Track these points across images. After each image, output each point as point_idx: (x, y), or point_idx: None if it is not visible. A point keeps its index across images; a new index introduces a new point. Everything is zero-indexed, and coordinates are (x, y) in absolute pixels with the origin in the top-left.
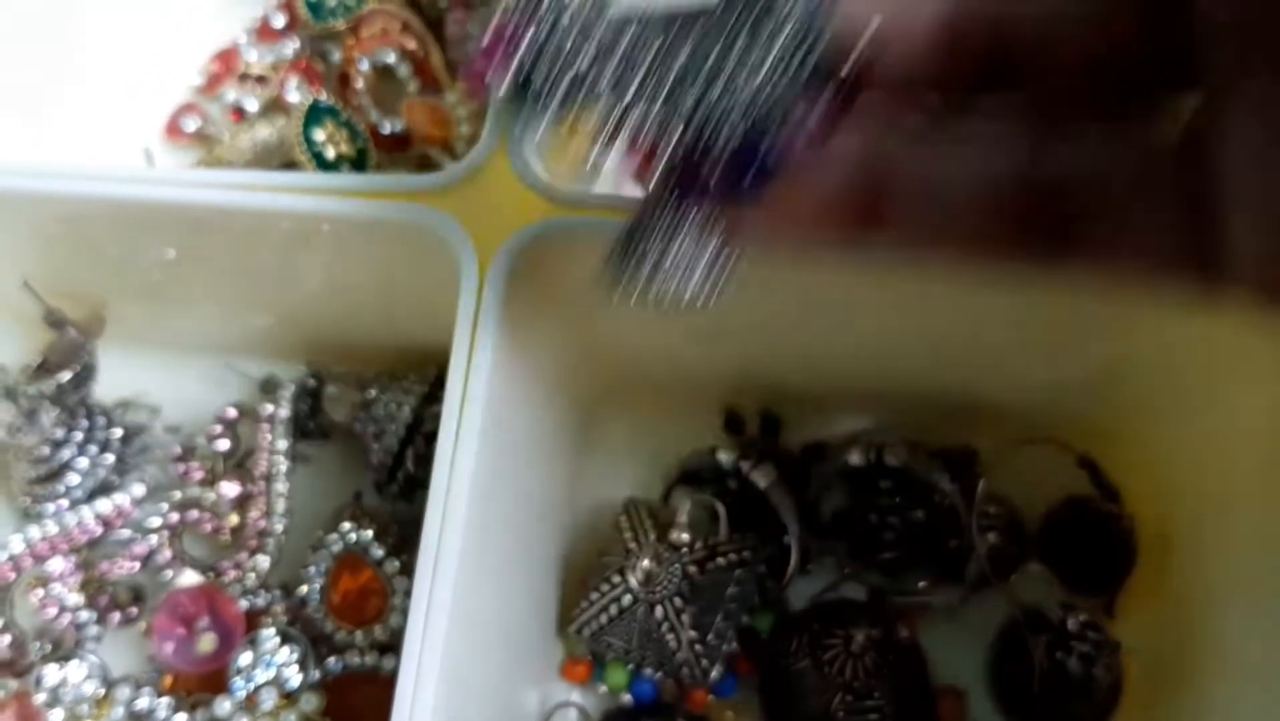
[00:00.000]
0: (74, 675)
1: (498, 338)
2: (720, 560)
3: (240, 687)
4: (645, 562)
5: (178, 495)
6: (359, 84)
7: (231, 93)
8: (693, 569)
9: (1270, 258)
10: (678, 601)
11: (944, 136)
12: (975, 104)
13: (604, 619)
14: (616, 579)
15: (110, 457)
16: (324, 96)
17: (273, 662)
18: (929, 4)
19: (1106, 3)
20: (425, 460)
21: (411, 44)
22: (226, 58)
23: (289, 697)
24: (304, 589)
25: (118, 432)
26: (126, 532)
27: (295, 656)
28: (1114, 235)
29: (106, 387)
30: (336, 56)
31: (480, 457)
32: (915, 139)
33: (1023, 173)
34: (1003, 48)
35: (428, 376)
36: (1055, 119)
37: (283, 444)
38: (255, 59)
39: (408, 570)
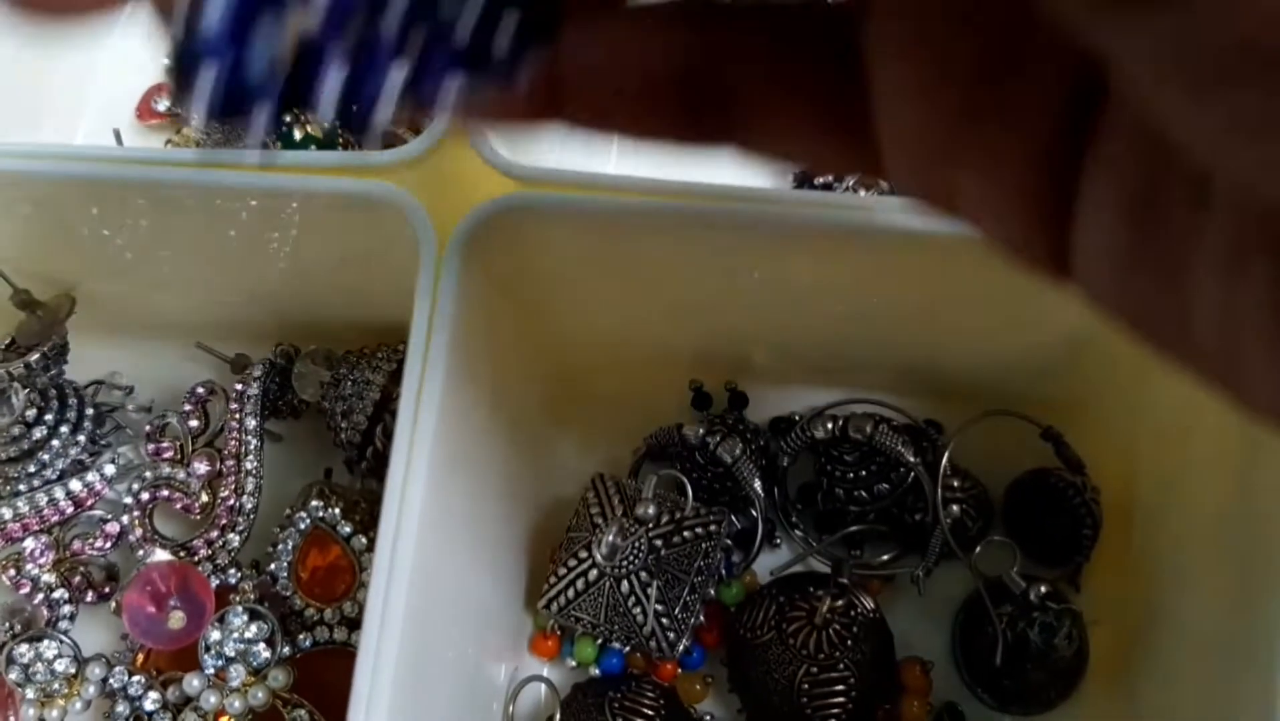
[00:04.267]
0: (46, 653)
1: (456, 312)
2: (686, 534)
3: (210, 664)
4: (611, 537)
5: (149, 474)
6: None
7: None
8: (659, 543)
9: (910, 166)
10: (644, 575)
11: (606, 28)
12: None
13: (571, 593)
14: (583, 554)
15: (82, 437)
16: None
17: (242, 640)
18: None
19: None
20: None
21: None
22: None
23: (258, 674)
24: (273, 566)
25: (89, 413)
26: (99, 512)
27: (264, 633)
28: (772, 125)
29: (78, 368)
30: None
31: (440, 434)
32: (586, 33)
33: (682, 62)
34: None
35: (397, 354)
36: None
37: (253, 422)
38: None
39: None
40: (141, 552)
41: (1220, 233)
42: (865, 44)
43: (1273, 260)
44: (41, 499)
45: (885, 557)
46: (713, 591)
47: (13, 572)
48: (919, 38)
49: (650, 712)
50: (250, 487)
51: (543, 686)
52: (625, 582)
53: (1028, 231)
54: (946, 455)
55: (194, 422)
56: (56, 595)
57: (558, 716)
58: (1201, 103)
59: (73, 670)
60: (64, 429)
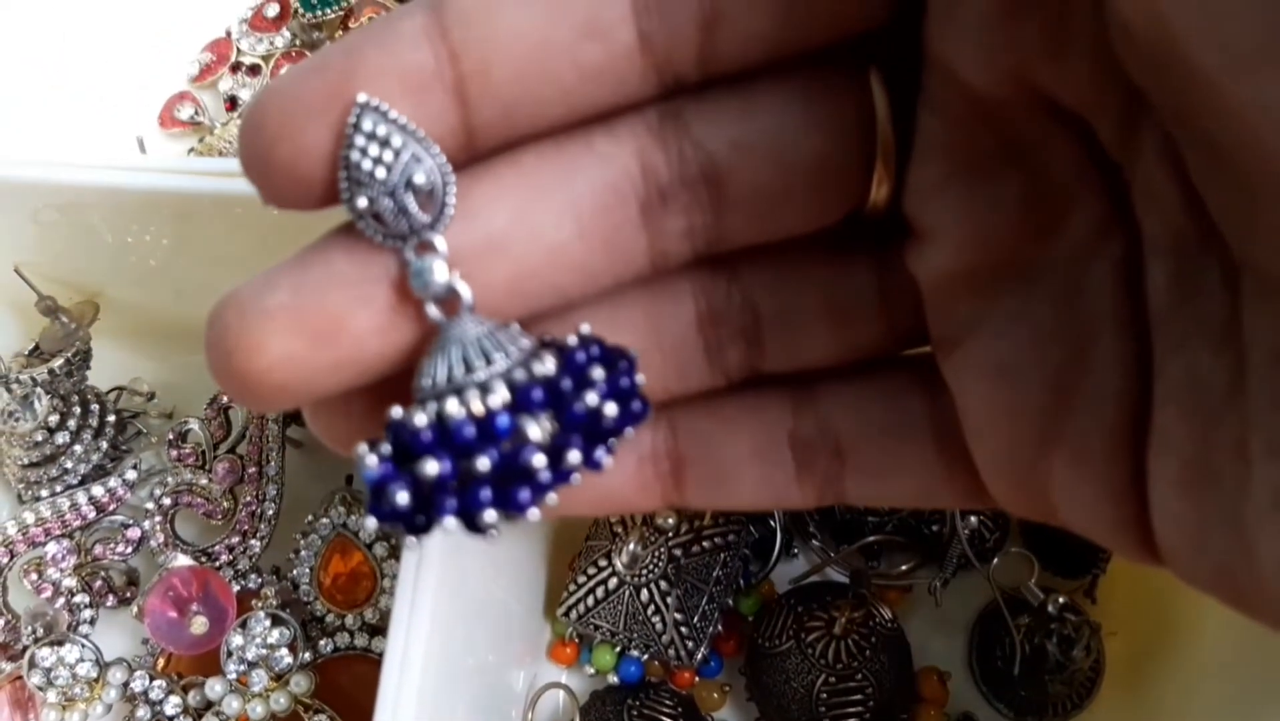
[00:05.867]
0: (68, 657)
1: None
2: (705, 543)
3: (232, 669)
4: (631, 546)
5: (171, 480)
6: None
7: (225, 82)
8: (678, 552)
9: (1008, 483)
10: (663, 584)
11: (720, 414)
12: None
13: (590, 601)
14: (603, 562)
15: (104, 443)
16: None
17: (264, 644)
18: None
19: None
20: None
21: None
22: (220, 47)
23: (280, 679)
24: (295, 571)
25: (112, 418)
26: (120, 517)
27: (286, 638)
28: (882, 470)
29: (101, 374)
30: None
31: None
32: (700, 417)
33: (790, 430)
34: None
35: None
36: (805, 372)
37: (274, 427)
38: (248, 48)
39: (397, 553)
40: (163, 558)
41: (1265, 481)
42: (948, 379)
43: None
44: (64, 503)
45: (903, 568)
46: (731, 601)
47: (35, 577)
48: (994, 366)
49: (669, 720)
50: (272, 493)
51: (561, 693)
52: (645, 591)
53: (1120, 524)
54: None
55: (216, 428)
56: (78, 599)
57: None
58: None
59: (94, 674)
60: (86, 434)
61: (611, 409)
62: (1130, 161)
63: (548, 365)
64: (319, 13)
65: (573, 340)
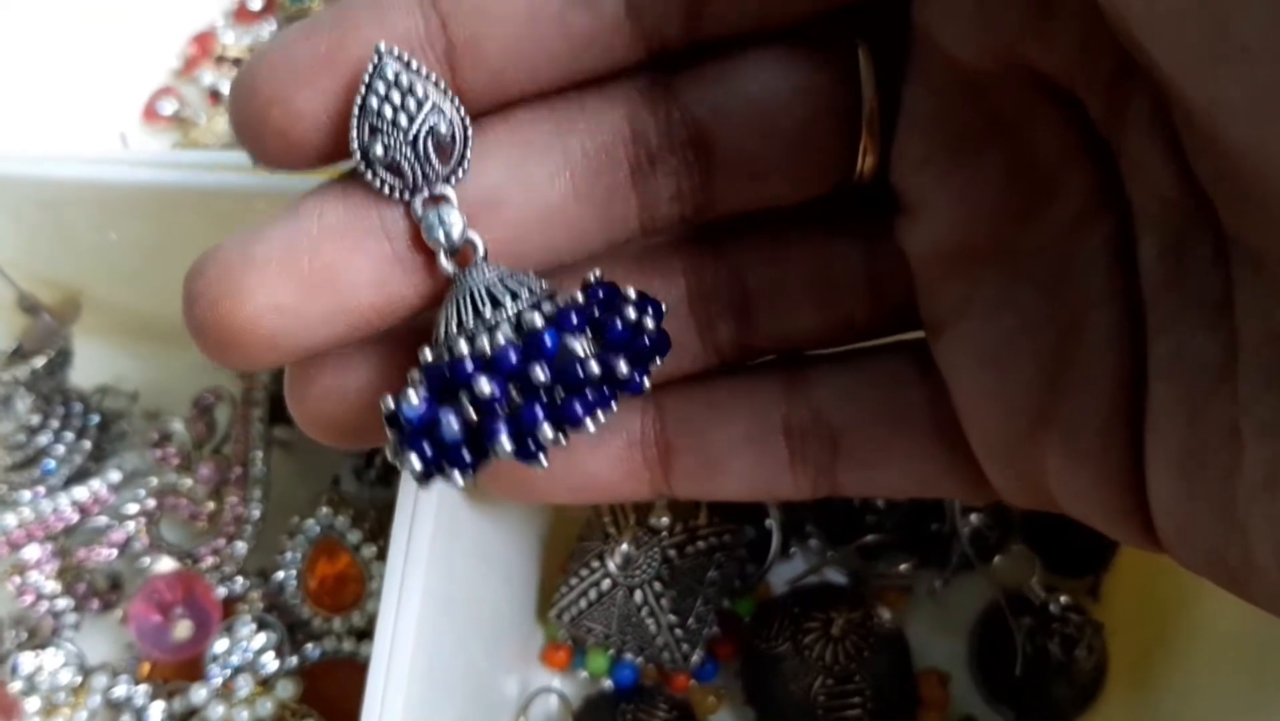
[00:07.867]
0: (50, 663)
1: None
2: (700, 544)
3: (216, 675)
4: (624, 546)
5: (155, 481)
6: None
7: (208, 75)
8: (672, 553)
9: (1004, 469)
10: (657, 586)
11: (711, 398)
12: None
13: (583, 603)
14: (595, 563)
15: (87, 444)
16: None
17: (249, 649)
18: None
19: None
20: None
21: None
22: (204, 40)
23: (265, 684)
24: (281, 575)
25: (95, 419)
26: (104, 519)
27: (271, 643)
28: (877, 458)
29: (83, 374)
30: None
31: None
32: (690, 402)
33: (783, 417)
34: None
35: None
36: (797, 351)
37: (259, 427)
38: (232, 41)
39: (385, 556)
40: (147, 560)
41: (1256, 461)
42: (940, 362)
43: None
44: (46, 506)
45: (902, 568)
46: (727, 602)
47: (17, 580)
48: (984, 348)
49: None
50: (258, 495)
51: (554, 698)
52: (639, 593)
53: (1118, 509)
54: None
55: (201, 429)
56: (61, 604)
57: None
58: None
59: (78, 680)
60: (68, 435)
61: (650, 323)
62: (1119, 135)
63: (576, 295)
64: (303, 4)
65: (591, 277)
